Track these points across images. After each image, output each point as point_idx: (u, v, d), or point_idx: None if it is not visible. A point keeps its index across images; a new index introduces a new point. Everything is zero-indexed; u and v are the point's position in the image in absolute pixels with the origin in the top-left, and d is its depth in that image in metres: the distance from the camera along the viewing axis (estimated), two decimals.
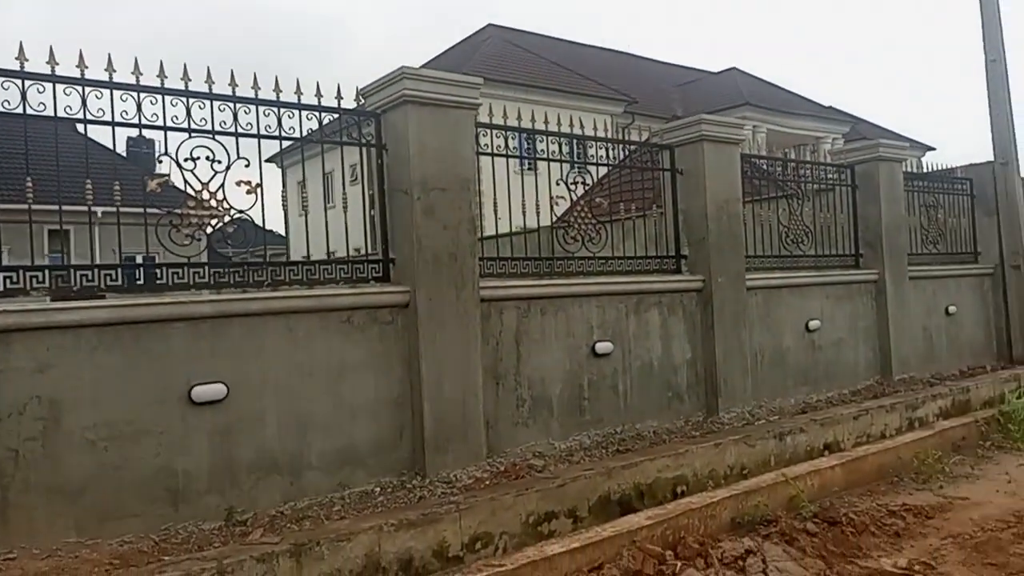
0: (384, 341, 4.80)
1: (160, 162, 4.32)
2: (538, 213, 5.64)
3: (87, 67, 3.98)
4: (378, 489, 4.62)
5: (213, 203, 4.38)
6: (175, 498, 3.99)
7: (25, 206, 3.89)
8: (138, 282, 4.11)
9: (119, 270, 4.04)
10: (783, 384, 7.26)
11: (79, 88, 3.99)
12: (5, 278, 3.78)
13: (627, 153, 6.99)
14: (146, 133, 4.48)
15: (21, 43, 3.83)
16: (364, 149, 5.14)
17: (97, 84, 4.04)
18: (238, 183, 4.45)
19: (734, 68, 35.03)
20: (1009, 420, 7.46)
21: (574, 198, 6.06)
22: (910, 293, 8.59)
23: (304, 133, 4.81)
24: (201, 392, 4.08)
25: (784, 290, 7.36)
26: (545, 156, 5.89)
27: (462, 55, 29.35)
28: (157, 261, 4.22)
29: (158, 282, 4.15)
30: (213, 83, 4.38)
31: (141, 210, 4.16)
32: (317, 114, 4.85)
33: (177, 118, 4.27)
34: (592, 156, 6.34)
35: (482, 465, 4.99)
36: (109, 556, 3.60)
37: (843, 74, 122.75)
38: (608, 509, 4.78)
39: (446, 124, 5.00)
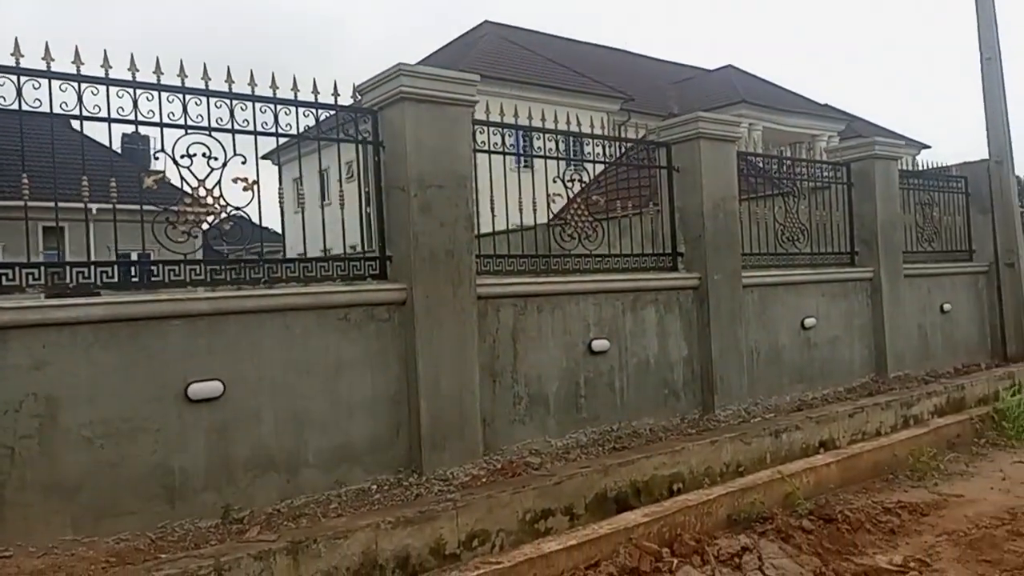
0: (381, 338, 4.79)
1: (157, 159, 4.31)
2: (535, 211, 5.64)
3: (83, 63, 3.97)
4: (375, 487, 4.62)
5: (209, 200, 4.37)
6: (172, 496, 3.98)
7: (19, 203, 3.87)
8: (133, 279, 4.09)
9: (115, 267, 4.03)
10: (779, 382, 7.28)
11: (75, 84, 3.98)
12: (1, 275, 3.76)
13: (624, 150, 7.00)
14: (142, 130, 4.46)
15: (17, 39, 3.81)
16: (361, 146, 5.13)
17: (93, 80, 4.03)
18: (234, 180, 4.44)
19: (730, 66, 35.06)
20: (1003, 417, 7.49)
21: (571, 195, 6.06)
22: (905, 291, 8.61)
23: (301, 130, 4.80)
24: (197, 389, 4.07)
25: (780, 288, 7.38)
26: (542, 153, 5.89)
27: (458, 52, 29.31)
28: (152, 258, 4.21)
29: (154, 279, 4.14)
30: (210, 80, 4.37)
31: (137, 207, 4.14)
32: (314, 111, 4.83)
33: (173, 115, 4.26)
34: (589, 153, 6.34)
35: (479, 463, 5.00)
36: (105, 554, 3.59)
37: (843, 74, 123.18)
38: (605, 506, 4.79)
39: (443, 121, 4.99)
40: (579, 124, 6.12)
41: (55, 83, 3.93)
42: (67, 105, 3.96)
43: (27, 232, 3.92)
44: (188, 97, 4.31)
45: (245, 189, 4.46)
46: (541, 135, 5.88)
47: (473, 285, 5.08)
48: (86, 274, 3.94)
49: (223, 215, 4.45)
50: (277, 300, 4.42)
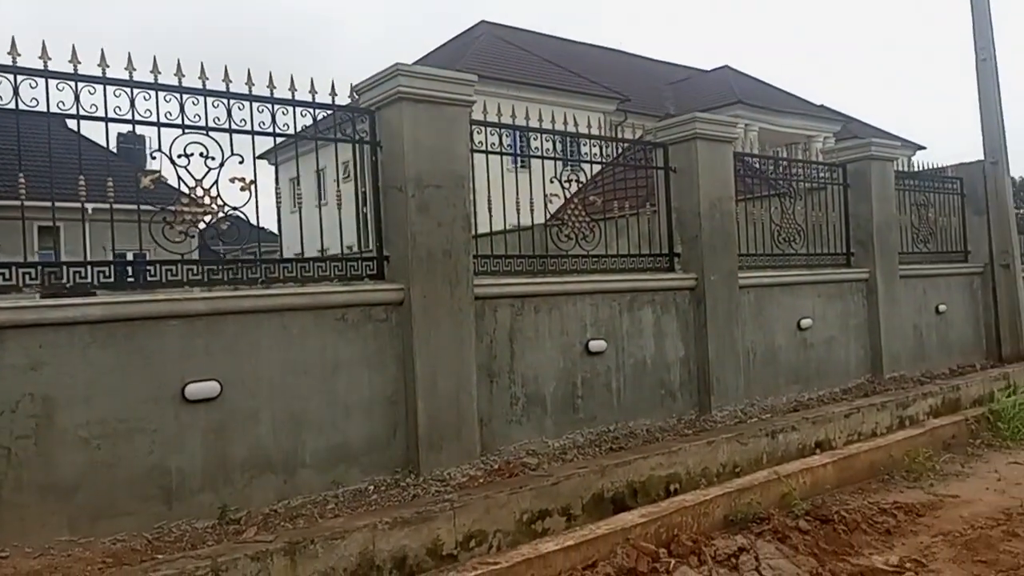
0: (378, 339, 4.79)
1: (154, 158, 4.30)
2: (532, 211, 5.64)
3: (80, 63, 3.96)
4: (372, 487, 4.62)
5: (206, 200, 4.36)
6: (168, 496, 3.98)
7: (13, 202, 3.86)
8: (130, 279, 4.08)
9: (112, 267, 4.02)
10: (775, 382, 7.30)
11: (72, 84, 3.97)
12: None
13: (621, 151, 7.00)
14: (138, 129, 4.45)
15: (14, 38, 3.80)
16: (358, 146, 5.12)
17: (90, 80, 4.02)
18: (232, 180, 4.43)
19: (726, 66, 35.08)
20: (999, 418, 7.50)
21: (568, 196, 6.06)
22: (901, 291, 8.64)
23: (298, 130, 4.79)
24: (195, 390, 4.06)
25: (776, 288, 7.39)
26: (539, 154, 5.89)
27: (454, 52, 29.28)
28: (148, 258, 4.20)
29: (150, 279, 4.13)
30: (207, 79, 4.36)
31: (133, 207, 4.13)
32: (311, 111, 4.83)
33: (171, 114, 4.25)
34: (586, 154, 6.34)
35: (476, 463, 5.00)
36: (102, 554, 3.58)
37: (842, 74, 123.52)
38: (602, 507, 4.79)
39: (441, 121, 4.99)
40: (576, 124, 6.13)
41: (52, 82, 3.92)
42: (64, 104, 3.96)
43: (23, 231, 3.91)
44: (185, 97, 4.31)
45: (242, 189, 4.46)
46: (538, 135, 5.89)
47: (470, 285, 5.08)
48: (83, 274, 3.93)
49: (220, 215, 4.45)
50: (274, 300, 4.41)
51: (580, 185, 6.17)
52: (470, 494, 4.39)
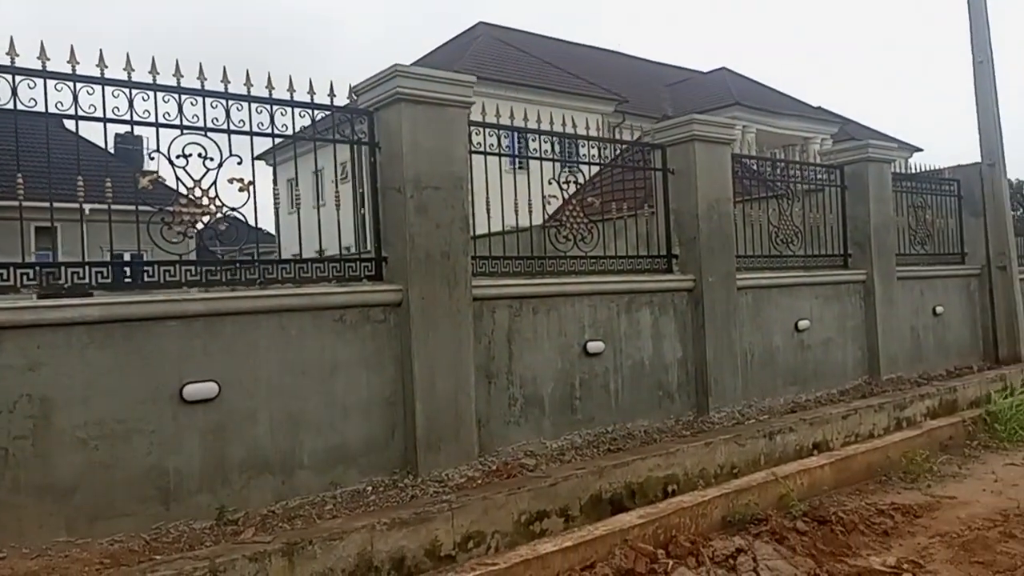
0: (376, 340, 4.79)
1: (152, 159, 4.30)
2: (530, 212, 5.65)
3: (78, 63, 3.96)
4: (370, 488, 4.62)
5: (205, 200, 4.36)
6: (166, 497, 3.97)
7: (11, 203, 3.85)
8: (128, 280, 4.07)
9: (110, 267, 4.01)
10: (773, 384, 7.30)
11: (70, 84, 3.97)
12: None
13: (619, 152, 7.00)
14: (136, 130, 4.45)
15: (12, 38, 3.79)
16: (356, 147, 5.13)
17: (89, 80, 4.02)
18: (230, 180, 4.43)
19: (724, 68, 35.12)
20: (996, 420, 7.53)
21: (566, 197, 6.06)
22: (898, 293, 8.65)
23: (297, 130, 4.79)
24: (193, 391, 4.06)
25: (774, 290, 7.40)
26: (537, 155, 5.89)
27: (453, 53, 29.28)
28: (146, 259, 4.20)
29: (148, 280, 4.12)
30: (205, 79, 4.36)
31: (131, 207, 4.12)
32: (310, 111, 4.83)
33: (169, 115, 4.25)
34: (584, 155, 6.35)
35: (474, 464, 5.00)
36: (100, 555, 3.58)
37: (842, 74, 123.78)
38: (600, 508, 4.79)
39: (439, 122, 4.99)
40: (574, 126, 6.14)
41: (50, 82, 3.91)
42: (62, 105, 3.95)
43: (21, 232, 3.91)
44: (184, 97, 4.31)
45: (241, 190, 4.45)
46: (536, 136, 5.89)
47: (469, 286, 5.08)
48: (81, 274, 3.92)
49: (218, 216, 4.44)
50: (272, 301, 4.41)
51: (578, 186, 6.18)
52: (468, 495, 4.39)
